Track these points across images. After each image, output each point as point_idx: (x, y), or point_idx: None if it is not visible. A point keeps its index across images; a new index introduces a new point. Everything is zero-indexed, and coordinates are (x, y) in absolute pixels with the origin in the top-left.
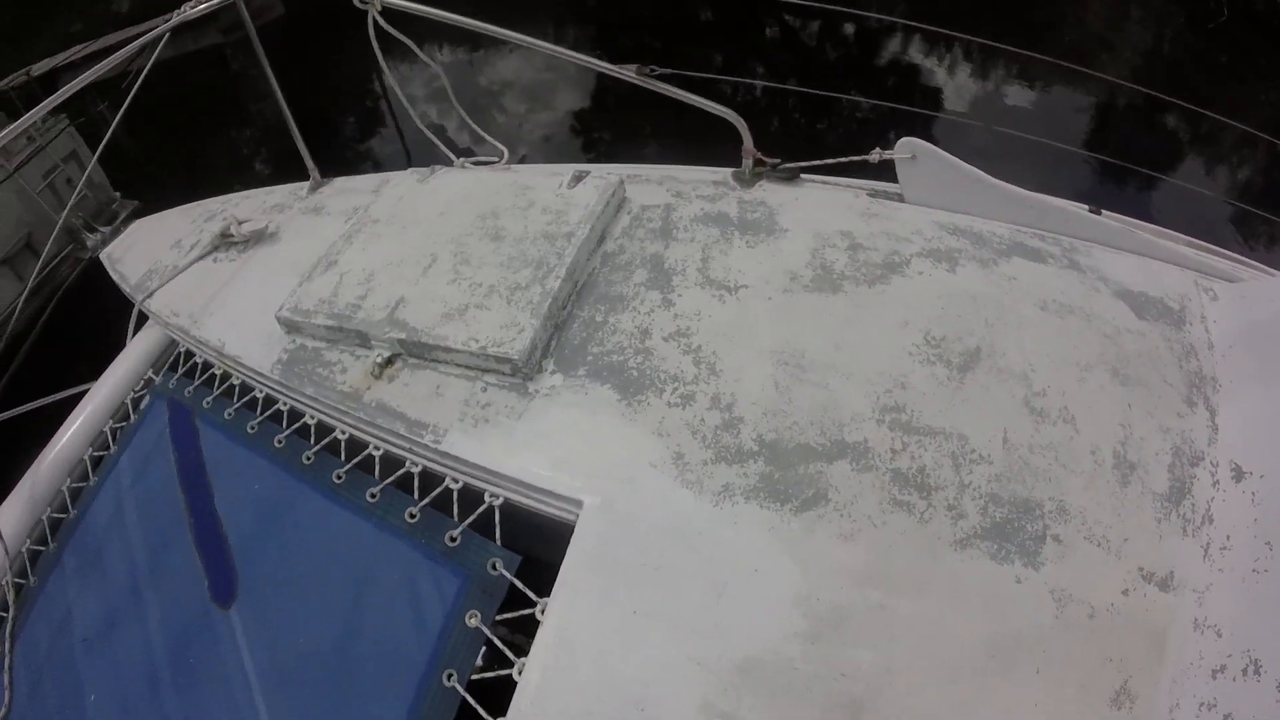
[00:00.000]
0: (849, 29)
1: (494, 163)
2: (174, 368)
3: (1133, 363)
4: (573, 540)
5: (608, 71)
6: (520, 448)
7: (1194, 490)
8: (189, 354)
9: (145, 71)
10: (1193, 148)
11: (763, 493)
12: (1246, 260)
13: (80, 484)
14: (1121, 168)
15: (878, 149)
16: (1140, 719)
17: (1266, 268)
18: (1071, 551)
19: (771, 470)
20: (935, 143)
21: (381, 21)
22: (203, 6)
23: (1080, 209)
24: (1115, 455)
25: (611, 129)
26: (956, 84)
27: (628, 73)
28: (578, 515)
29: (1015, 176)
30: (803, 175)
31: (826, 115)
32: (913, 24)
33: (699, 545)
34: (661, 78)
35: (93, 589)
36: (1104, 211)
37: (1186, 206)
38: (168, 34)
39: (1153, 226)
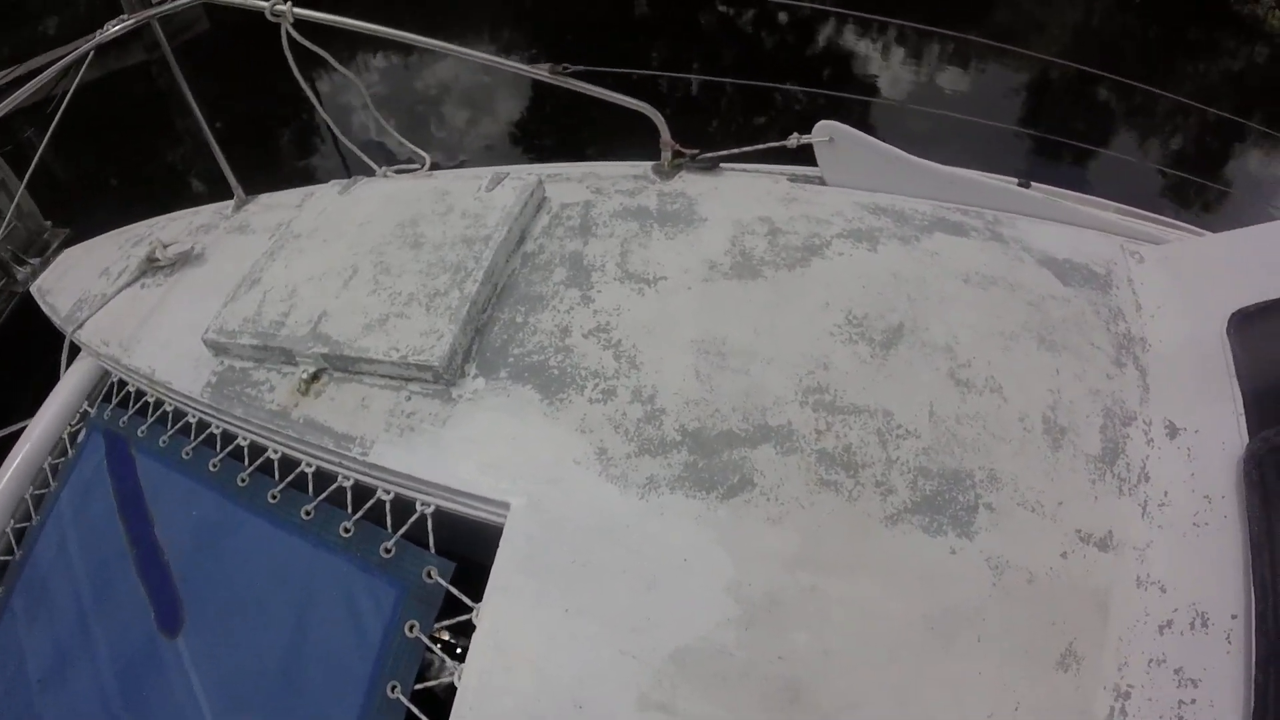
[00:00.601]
0: (782, 18)
1: (416, 169)
2: (108, 398)
3: (1059, 329)
4: (501, 543)
5: (521, 72)
6: (446, 454)
7: (1128, 450)
8: (121, 383)
9: (70, 94)
10: (1125, 120)
11: (688, 482)
12: (1172, 222)
13: (23, 524)
14: (1056, 143)
15: (795, 134)
16: (1088, 679)
17: (1192, 228)
18: (1005, 519)
19: (695, 459)
20: (872, 129)
21: (294, 34)
22: (120, 28)
23: (1005, 182)
24: (1045, 420)
25: (547, 131)
26: (891, 69)
27: (541, 72)
28: (506, 518)
29: (952, 158)
30: (724, 165)
31: (763, 106)
32: (845, 11)
33: (627, 540)
34: (577, 75)
35: (43, 629)
36: (1033, 184)
37: (1119, 176)
38: (91, 55)
39: (1079, 195)
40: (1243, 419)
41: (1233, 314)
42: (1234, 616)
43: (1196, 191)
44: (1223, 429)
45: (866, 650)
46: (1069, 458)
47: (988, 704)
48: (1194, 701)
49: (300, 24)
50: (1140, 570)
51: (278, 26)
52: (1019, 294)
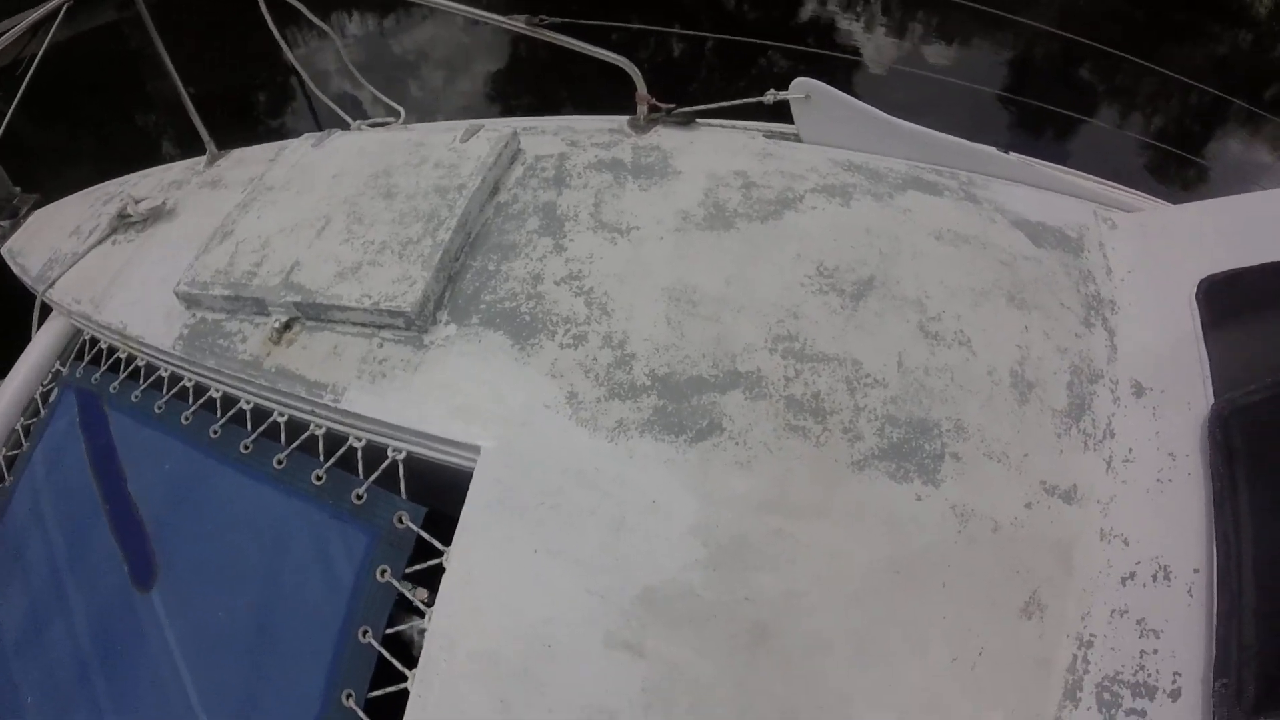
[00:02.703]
0: None
1: (391, 124)
2: (80, 356)
3: (1029, 288)
4: (471, 485)
5: (497, 23)
6: (417, 399)
7: (1094, 406)
8: (93, 341)
9: (39, 57)
10: (1109, 93)
11: (657, 426)
12: (1147, 196)
13: None
14: (1038, 112)
15: (772, 90)
16: (1051, 627)
17: (1166, 203)
18: (971, 468)
19: (665, 403)
20: (855, 92)
21: None
22: None
23: (981, 146)
24: (1013, 375)
25: (526, 90)
26: (875, 36)
27: (518, 23)
28: (476, 461)
29: (936, 124)
30: (700, 121)
31: (744, 67)
32: None
33: (596, 481)
34: (553, 27)
35: (18, 591)
36: (1012, 153)
37: (1102, 148)
38: (60, 16)
39: (1055, 165)
40: (1209, 381)
41: (1202, 280)
42: (1196, 570)
43: (1178, 167)
44: (1189, 390)
45: (832, 593)
46: (1035, 412)
47: (951, 648)
48: (1156, 652)
49: None
50: (1104, 523)
51: None
52: (991, 252)
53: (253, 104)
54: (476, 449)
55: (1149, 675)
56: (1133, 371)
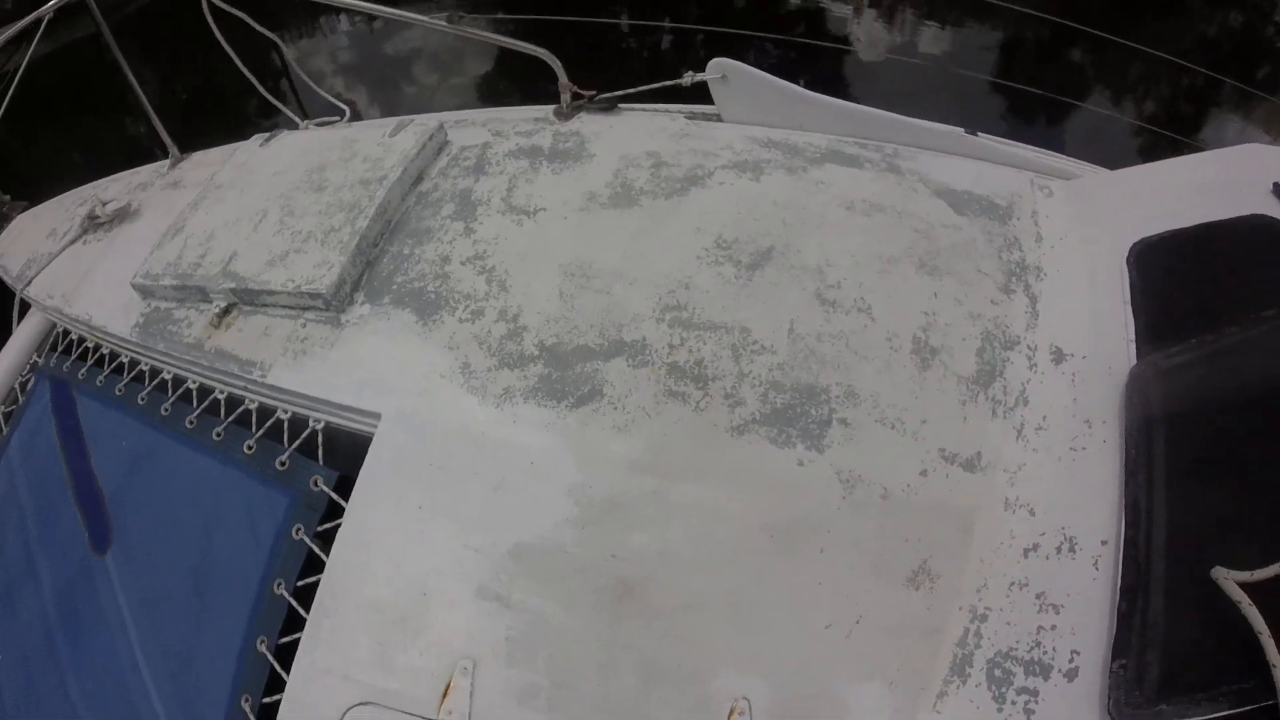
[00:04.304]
0: None
1: (335, 122)
2: (54, 347)
3: (943, 254)
4: (370, 449)
5: (418, 23)
6: (331, 373)
7: (1006, 373)
8: (65, 333)
9: (22, 69)
10: (1102, 76)
11: (540, 393)
12: (1092, 165)
13: None
14: (1032, 95)
15: (690, 72)
16: (942, 598)
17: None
18: (861, 434)
19: (550, 371)
20: (844, 79)
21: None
22: (55, 2)
23: (929, 123)
24: (915, 341)
25: (477, 82)
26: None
27: (439, 22)
28: (377, 427)
29: (929, 109)
30: (625, 106)
31: (680, 54)
32: None
33: (481, 444)
34: (475, 24)
35: None
36: (980, 134)
37: (1096, 130)
38: (41, 28)
39: (1009, 141)
40: (1133, 345)
41: (1134, 243)
42: (1104, 542)
43: (1174, 150)
44: (1112, 355)
45: (702, 554)
46: (937, 378)
47: (826, 614)
48: (1054, 628)
49: None
50: (1010, 493)
51: None
52: (905, 221)
53: (222, 105)
54: (378, 416)
55: (1044, 653)
56: (1053, 337)
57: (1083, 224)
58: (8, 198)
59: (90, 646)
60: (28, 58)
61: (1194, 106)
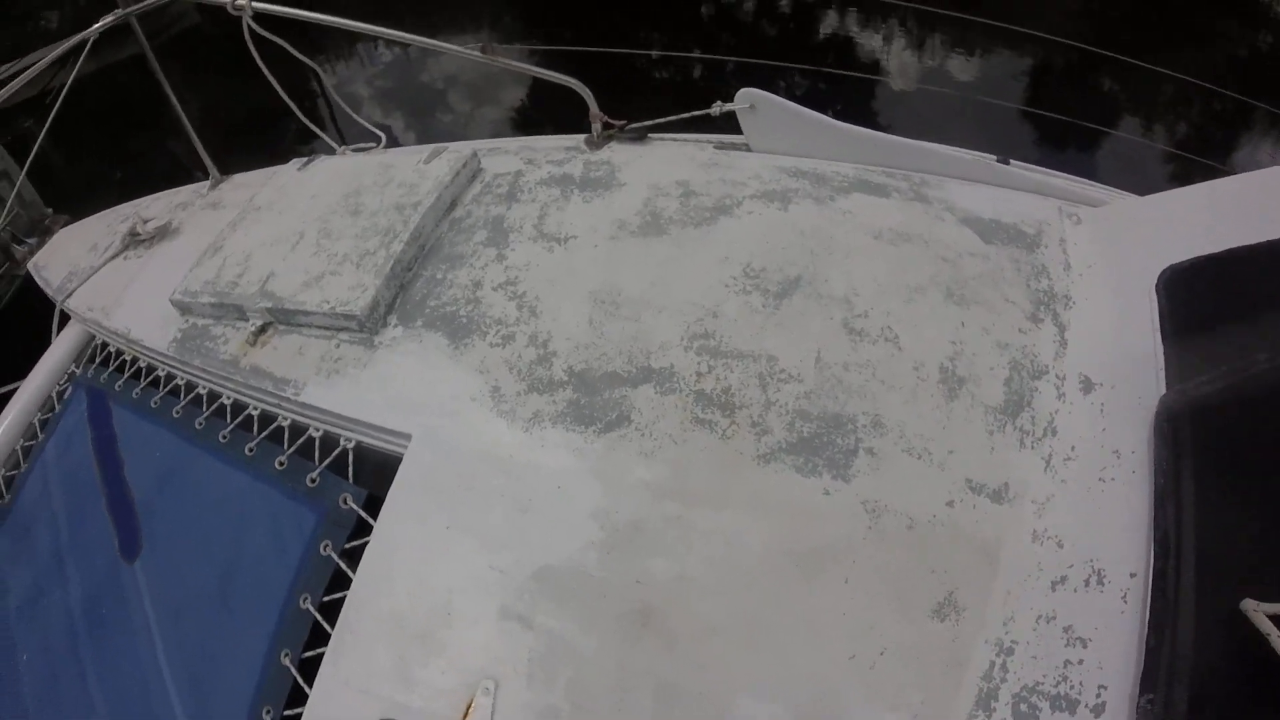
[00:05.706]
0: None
1: (372, 148)
2: (92, 359)
3: (971, 283)
4: (400, 469)
5: (452, 53)
6: (363, 393)
7: (1035, 403)
8: (104, 345)
9: (67, 86)
10: (1123, 100)
11: (569, 417)
12: (1122, 192)
13: (13, 472)
14: (1044, 120)
15: (719, 102)
16: (969, 630)
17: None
18: (887, 464)
19: (579, 397)
20: (873, 109)
21: (255, 26)
22: (101, 24)
23: (981, 156)
24: (942, 370)
25: (511, 110)
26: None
27: (473, 52)
28: (407, 447)
29: (966, 139)
30: (656, 135)
31: (710, 82)
32: None
33: (509, 467)
34: (508, 54)
35: (25, 562)
36: (1012, 162)
37: (1115, 156)
38: (87, 49)
39: (1040, 168)
40: (1162, 374)
41: (1163, 270)
42: (1132, 575)
43: (1203, 175)
44: (1141, 385)
45: (726, 581)
46: (965, 408)
47: (849, 644)
48: (1081, 662)
49: (262, 17)
50: (1038, 524)
51: (261, 21)
52: (932, 249)
53: (261, 128)
54: (408, 436)
55: (1071, 687)
56: (1082, 367)
57: (1111, 251)
58: (50, 211)
59: (115, 651)
60: (73, 76)
61: (1226, 131)
